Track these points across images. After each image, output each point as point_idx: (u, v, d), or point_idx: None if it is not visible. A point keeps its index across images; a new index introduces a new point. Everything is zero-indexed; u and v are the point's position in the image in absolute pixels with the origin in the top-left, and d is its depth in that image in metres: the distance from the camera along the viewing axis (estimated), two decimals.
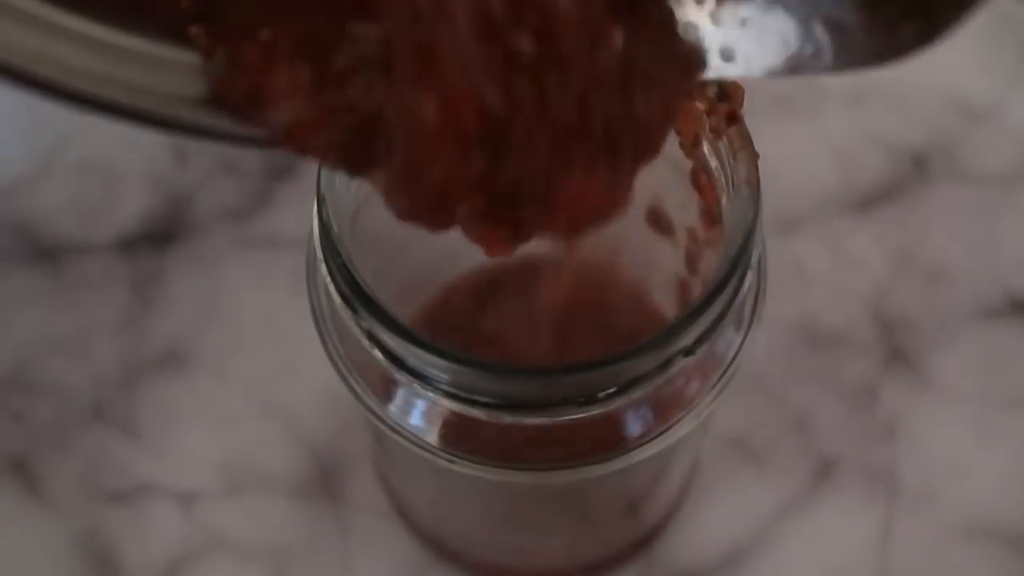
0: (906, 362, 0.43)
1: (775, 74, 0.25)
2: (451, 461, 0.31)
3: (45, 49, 0.23)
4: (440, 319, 0.38)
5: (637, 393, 0.29)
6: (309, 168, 0.27)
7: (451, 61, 0.22)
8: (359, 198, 0.31)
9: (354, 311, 0.29)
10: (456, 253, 0.37)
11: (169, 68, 0.24)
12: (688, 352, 0.29)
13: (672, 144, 0.31)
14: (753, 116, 0.29)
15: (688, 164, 0.31)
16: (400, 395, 0.31)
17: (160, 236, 0.45)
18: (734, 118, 0.29)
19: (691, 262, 0.36)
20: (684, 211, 0.35)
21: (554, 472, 0.32)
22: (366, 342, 0.29)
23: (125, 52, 0.24)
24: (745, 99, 0.29)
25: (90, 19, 0.24)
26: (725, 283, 0.28)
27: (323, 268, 0.29)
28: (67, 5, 0.23)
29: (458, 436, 0.31)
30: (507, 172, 0.23)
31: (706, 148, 0.30)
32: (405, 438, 0.31)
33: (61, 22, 0.23)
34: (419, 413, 0.31)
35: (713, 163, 0.30)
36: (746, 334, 0.32)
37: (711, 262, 0.35)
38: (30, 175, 0.46)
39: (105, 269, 0.44)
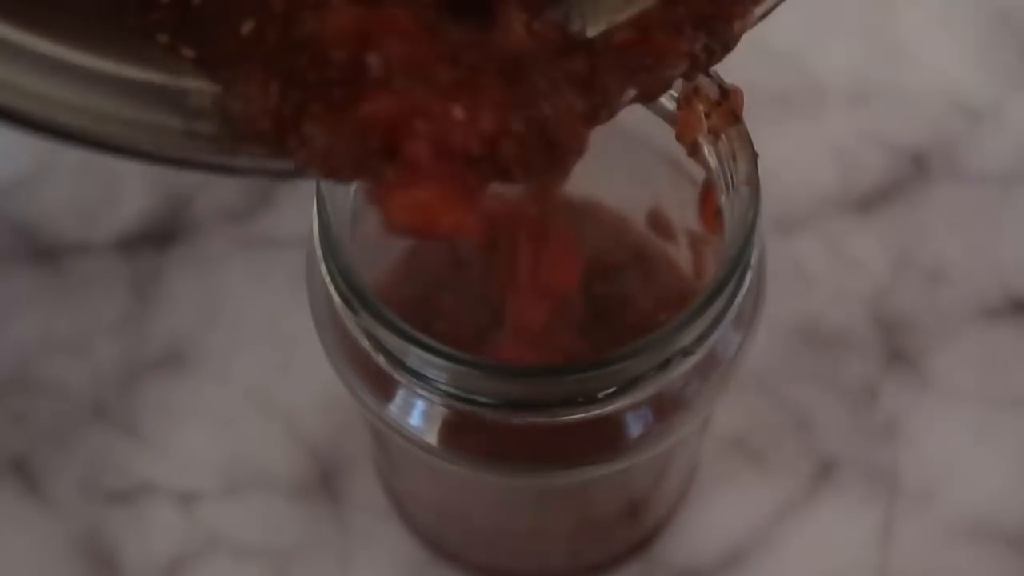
0: (906, 362, 0.43)
1: None
2: (451, 461, 0.31)
3: (11, 79, 0.22)
4: (406, 284, 0.37)
5: (637, 393, 0.29)
6: None
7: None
8: (359, 198, 0.31)
9: (354, 311, 0.29)
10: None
11: (145, 94, 0.23)
12: (688, 352, 0.29)
13: (672, 144, 0.31)
14: (753, 116, 0.29)
15: (688, 164, 0.31)
16: (400, 395, 0.31)
17: (160, 236, 0.45)
18: (734, 118, 0.29)
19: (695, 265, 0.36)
20: (684, 212, 0.35)
21: (554, 473, 0.32)
22: (366, 342, 0.29)
23: (101, 77, 0.23)
24: (745, 99, 0.29)
25: (55, 40, 0.22)
26: (725, 283, 0.28)
27: (323, 268, 0.29)
28: (26, 24, 0.22)
29: (458, 436, 0.31)
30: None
31: (706, 149, 0.30)
32: (405, 438, 0.31)
33: (26, 44, 0.22)
34: (419, 413, 0.31)
35: (713, 163, 0.30)
36: (746, 334, 0.32)
37: (712, 263, 0.35)
38: (30, 175, 0.46)
39: (105, 269, 0.44)
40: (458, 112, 0.22)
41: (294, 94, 0.23)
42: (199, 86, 0.23)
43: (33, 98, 0.22)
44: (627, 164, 0.34)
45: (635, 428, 0.31)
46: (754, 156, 0.29)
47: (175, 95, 0.23)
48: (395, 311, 0.28)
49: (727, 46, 0.25)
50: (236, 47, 0.23)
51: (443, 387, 0.29)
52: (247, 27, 0.23)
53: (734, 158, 0.29)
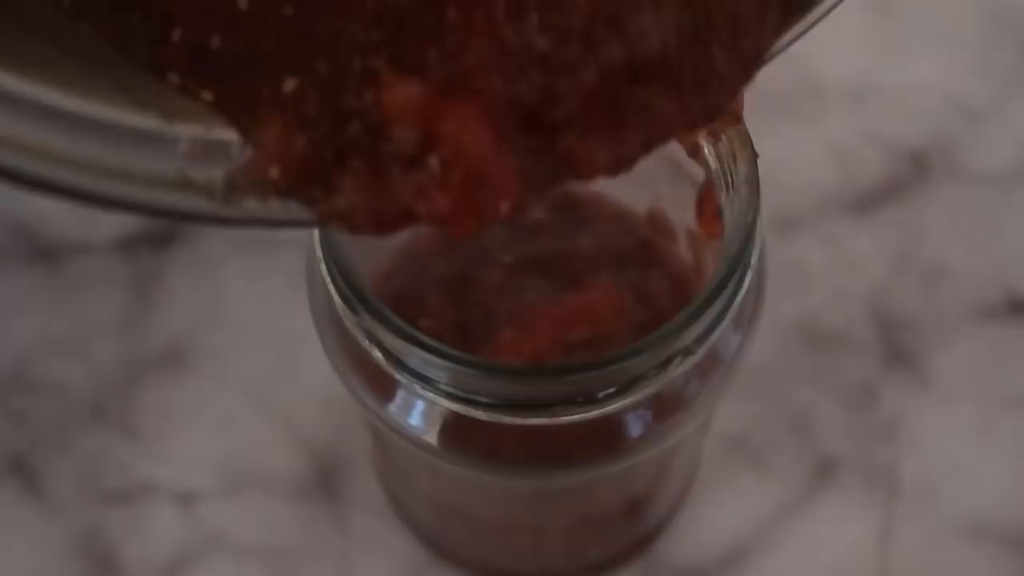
0: (906, 362, 0.43)
1: None
2: (451, 461, 0.31)
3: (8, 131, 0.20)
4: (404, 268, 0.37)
5: (637, 393, 0.29)
6: None
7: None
8: None
9: (354, 311, 0.29)
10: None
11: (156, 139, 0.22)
12: (688, 352, 0.29)
13: (672, 144, 0.31)
14: (753, 116, 0.29)
15: (688, 163, 0.31)
16: (400, 395, 0.31)
17: (160, 236, 0.45)
18: (734, 119, 0.29)
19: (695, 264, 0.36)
20: (684, 212, 0.35)
21: (554, 473, 0.32)
22: (366, 342, 0.29)
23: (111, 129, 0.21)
24: (745, 99, 0.29)
25: (45, 82, 0.21)
26: (725, 283, 0.28)
27: (323, 268, 0.29)
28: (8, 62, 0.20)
29: (458, 436, 0.31)
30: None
31: (706, 149, 0.30)
32: (405, 438, 0.31)
33: (18, 91, 0.20)
34: (419, 413, 0.31)
35: (713, 164, 0.30)
36: (746, 334, 0.32)
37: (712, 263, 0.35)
38: None
39: (105, 269, 0.44)
40: (505, 207, 0.22)
41: (328, 151, 0.22)
42: (193, 132, 0.22)
43: (8, 147, 0.20)
44: None
45: (635, 428, 0.31)
46: (754, 156, 0.29)
47: (167, 142, 0.22)
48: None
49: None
50: (271, 99, 0.22)
51: (443, 387, 0.29)
52: (289, 85, 0.22)
53: (734, 158, 0.29)
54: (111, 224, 0.45)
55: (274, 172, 0.22)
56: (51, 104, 0.21)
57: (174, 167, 0.22)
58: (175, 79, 0.22)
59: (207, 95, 0.22)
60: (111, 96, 0.22)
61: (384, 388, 0.31)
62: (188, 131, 0.22)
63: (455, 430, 0.31)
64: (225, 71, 0.22)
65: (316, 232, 0.29)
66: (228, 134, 0.22)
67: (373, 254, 0.36)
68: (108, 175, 0.21)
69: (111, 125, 0.21)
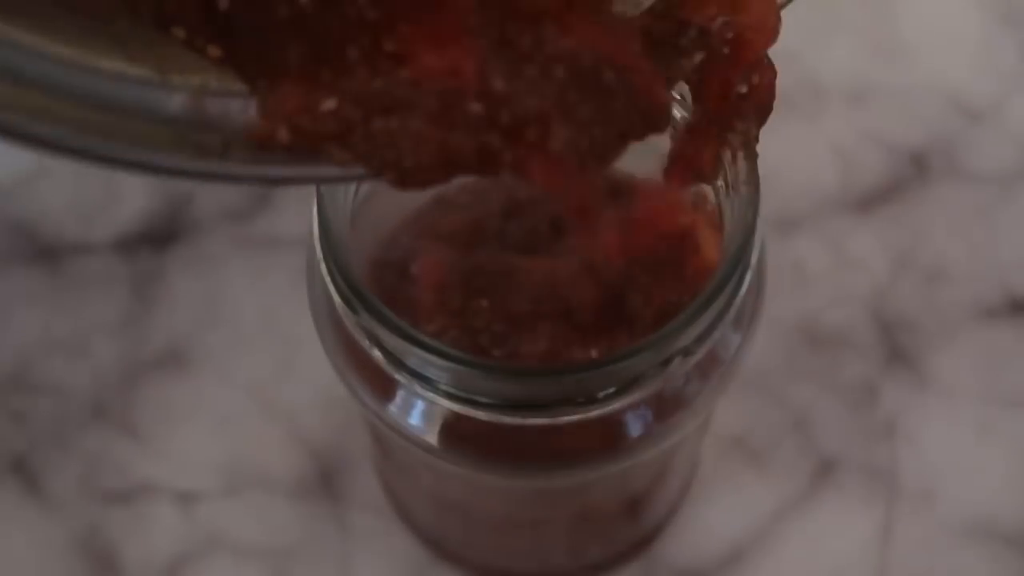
0: (906, 362, 0.43)
1: None
2: (451, 461, 0.31)
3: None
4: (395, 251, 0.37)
5: (637, 393, 0.29)
6: None
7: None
8: (359, 198, 0.31)
9: (354, 311, 0.29)
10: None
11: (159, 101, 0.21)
12: (688, 352, 0.29)
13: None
14: None
15: None
16: (400, 395, 0.31)
17: (160, 236, 0.45)
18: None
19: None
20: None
21: (554, 473, 0.32)
22: (366, 342, 0.29)
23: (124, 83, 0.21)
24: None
25: (51, 36, 0.20)
26: (725, 283, 0.28)
27: (323, 268, 0.29)
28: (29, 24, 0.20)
29: (458, 437, 0.31)
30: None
31: None
32: (405, 438, 0.31)
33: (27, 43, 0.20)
34: (419, 413, 0.31)
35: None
36: (746, 334, 0.32)
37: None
38: (30, 175, 0.46)
39: (105, 269, 0.44)
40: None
41: (355, 112, 0.22)
42: (190, 89, 0.22)
43: (5, 105, 0.20)
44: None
45: (635, 428, 0.31)
46: (754, 156, 0.29)
47: (163, 98, 0.22)
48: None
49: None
50: (289, 62, 0.22)
51: (443, 387, 0.29)
52: (306, 52, 0.22)
53: (734, 158, 0.29)
54: (111, 224, 0.45)
55: (282, 134, 0.22)
56: (46, 58, 0.21)
57: (170, 124, 0.22)
58: (181, 33, 0.22)
59: (214, 50, 0.22)
60: (107, 51, 0.21)
61: (384, 388, 0.31)
62: (185, 88, 0.22)
63: (455, 430, 0.31)
64: (240, 31, 0.22)
65: (316, 232, 0.29)
66: (224, 92, 0.22)
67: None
68: (102, 131, 0.21)
69: (106, 80, 0.21)
